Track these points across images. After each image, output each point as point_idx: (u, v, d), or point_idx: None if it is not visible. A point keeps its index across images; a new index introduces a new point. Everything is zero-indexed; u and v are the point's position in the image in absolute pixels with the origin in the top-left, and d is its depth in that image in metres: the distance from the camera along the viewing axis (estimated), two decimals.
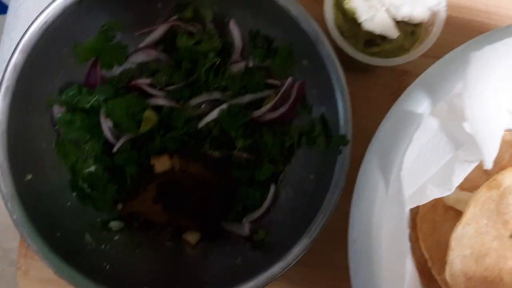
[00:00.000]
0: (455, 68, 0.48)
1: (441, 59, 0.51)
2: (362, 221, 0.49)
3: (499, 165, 0.59)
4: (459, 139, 0.49)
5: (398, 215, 0.47)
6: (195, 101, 0.69)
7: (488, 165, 0.47)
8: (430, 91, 0.49)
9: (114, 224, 0.65)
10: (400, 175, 0.47)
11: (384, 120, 0.51)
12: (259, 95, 0.68)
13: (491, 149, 0.48)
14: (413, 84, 0.50)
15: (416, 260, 0.60)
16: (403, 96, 0.50)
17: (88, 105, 0.64)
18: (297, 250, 0.55)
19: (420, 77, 0.50)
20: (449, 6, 0.73)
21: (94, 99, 0.64)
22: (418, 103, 0.49)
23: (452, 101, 0.50)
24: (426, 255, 0.59)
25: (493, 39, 0.46)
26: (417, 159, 0.50)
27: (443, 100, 0.51)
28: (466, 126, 0.47)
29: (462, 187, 0.60)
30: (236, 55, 0.69)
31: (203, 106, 0.69)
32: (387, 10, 0.63)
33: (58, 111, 0.64)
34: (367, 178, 0.49)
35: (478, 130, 0.46)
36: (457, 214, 0.55)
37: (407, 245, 0.47)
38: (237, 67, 0.69)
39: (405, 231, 0.47)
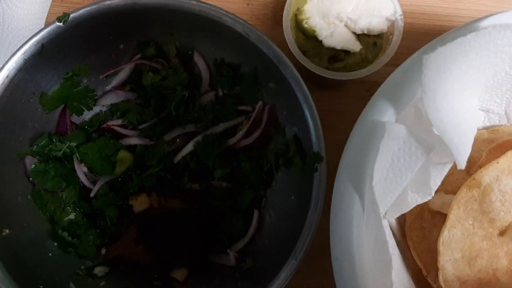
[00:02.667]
0: (414, 74, 0.49)
1: (400, 66, 0.51)
2: (342, 237, 0.48)
3: (478, 164, 0.59)
4: (430, 143, 0.49)
5: (376, 226, 0.47)
6: (169, 136, 0.69)
7: (461, 164, 0.46)
8: (392, 99, 0.49)
9: (99, 270, 0.64)
10: (372, 185, 0.46)
11: (351, 133, 0.51)
12: (232, 122, 0.68)
13: (463, 148, 0.47)
14: (375, 95, 0.51)
15: (411, 270, 0.59)
16: (367, 107, 0.50)
17: (60, 153, 0.64)
18: (284, 274, 0.54)
19: (381, 87, 0.51)
20: (411, 14, 0.75)
21: (66, 147, 0.64)
22: (382, 112, 0.49)
23: (417, 105, 0.50)
24: (420, 264, 0.58)
25: (446, 40, 0.46)
26: (391, 167, 0.50)
27: (409, 106, 0.51)
28: (434, 129, 0.47)
29: (446, 190, 0.59)
30: (204, 86, 0.69)
31: (178, 140, 0.70)
32: (346, 25, 0.63)
33: (30, 162, 0.64)
34: (341, 193, 0.49)
35: (446, 131, 0.46)
36: (445, 219, 0.54)
37: (389, 255, 0.46)
38: (207, 97, 0.69)
39: (386, 242, 0.46)
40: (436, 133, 0.47)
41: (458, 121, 0.49)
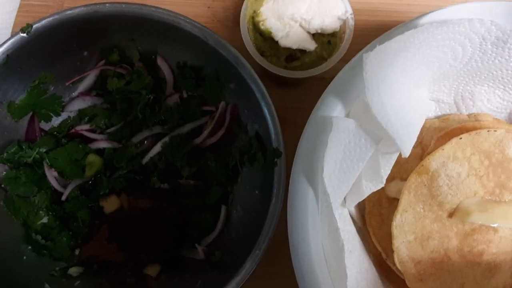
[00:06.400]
0: (359, 71, 0.52)
1: (347, 64, 0.54)
2: (298, 226, 0.51)
3: (427, 151, 0.62)
4: (377, 134, 0.52)
5: (328, 215, 0.50)
6: (137, 138, 0.71)
7: (405, 153, 0.50)
8: (340, 95, 0.53)
9: (74, 270, 0.66)
10: (323, 176, 0.49)
11: (304, 129, 0.54)
12: (197, 123, 0.71)
13: (407, 138, 0.50)
14: (325, 91, 0.54)
15: (373, 255, 0.63)
16: (317, 104, 0.54)
17: (30, 159, 0.66)
18: (249, 264, 0.57)
19: (330, 84, 0.54)
20: (364, 11, 0.78)
21: (36, 153, 0.66)
22: (331, 107, 0.53)
23: (364, 100, 0.54)
24: (379, 248, 0.61)
25: (386, 39, 0.50)
26: (344, 159, 0.53)
27: (358, 101, 0.55)
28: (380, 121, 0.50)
29: (402, 177, 0.62)
30: (169, 88, 0.72)
31: (146, 142, 0.72)
32: (301, 25, 0.66)
33: (1, 169, 0.65)
34: (297, 184, 0.52)
35: (390, 122, 0.49)
36: None
37: (341, 241, 0.49)
38: (172, 99, 0.71)
39: (337, 228, 0.49)
40: (382, 125, 0.50)
41: (404, 112, 0.52)
